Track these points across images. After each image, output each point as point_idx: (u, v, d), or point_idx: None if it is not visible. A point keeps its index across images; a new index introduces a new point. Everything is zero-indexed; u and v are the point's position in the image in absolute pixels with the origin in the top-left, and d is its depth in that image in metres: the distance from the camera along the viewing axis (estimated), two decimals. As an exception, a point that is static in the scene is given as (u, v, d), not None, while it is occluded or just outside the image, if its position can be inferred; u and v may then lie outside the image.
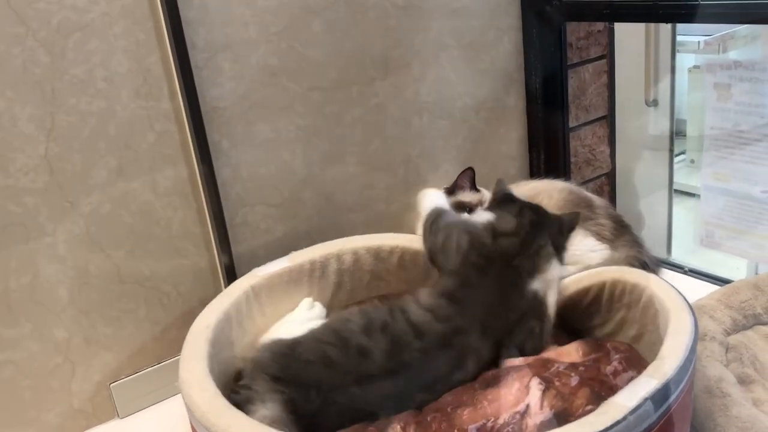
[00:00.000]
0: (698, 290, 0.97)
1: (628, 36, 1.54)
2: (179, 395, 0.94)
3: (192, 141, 0.88)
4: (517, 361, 0.72)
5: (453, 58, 1.10)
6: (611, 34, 1.28)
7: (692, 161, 2.16)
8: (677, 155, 2.12)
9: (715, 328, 0.87)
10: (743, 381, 0.81)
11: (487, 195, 1.03)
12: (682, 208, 1.66)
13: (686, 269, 1.12)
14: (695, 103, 2.07)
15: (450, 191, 1.04)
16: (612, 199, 1.37)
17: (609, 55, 1.31)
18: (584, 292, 0.82)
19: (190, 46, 0.85)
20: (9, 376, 0.83)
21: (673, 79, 2.01)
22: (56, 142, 0.80)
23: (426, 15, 1.06)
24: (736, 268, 1.20)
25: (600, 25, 1.25)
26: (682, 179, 1.98)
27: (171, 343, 0.93)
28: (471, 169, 1.04)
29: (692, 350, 0.65)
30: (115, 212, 0.86)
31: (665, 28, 2.01)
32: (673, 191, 1.75)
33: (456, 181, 1.04)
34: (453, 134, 1.14)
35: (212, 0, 0.87)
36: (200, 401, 0.68)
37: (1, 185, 0.78)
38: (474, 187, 1.04)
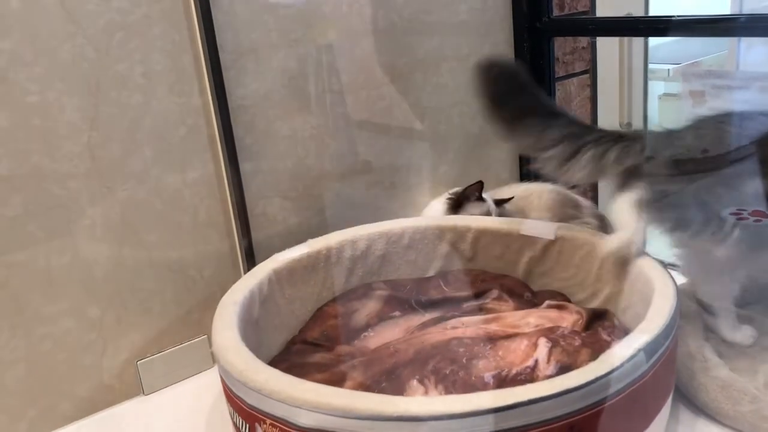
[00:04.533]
0: (678, 279, 1.06)
1: (606, 61, 1.66)
2: (200, 374, 1.01)
3: (219, 135, 0.96)
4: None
5: (452, 68, 1.20)
6: (594, 50, 1.39)
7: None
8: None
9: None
10: (721, 356, 0.89)
11: (491, 204, 1.12)
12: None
13: (665, 263, 1.21)
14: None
15: (458, 201, 1.12)
16: (595, 203, 1.46)
17: (592, 70, 1.42)
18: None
19: (219, 48, 0.94)
20: (47, 349, 0.88)
21: (645, 104, 2.14)
22: (98, 131, 0.87)
23: (429, 28, 1.16)
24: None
25: (584, 42, 1.36)
26: None
27: (194, 324, 1.00)
28: (480, 183, 1.12)
29: (676, 311, 0.74)
30: (148, 199, 0.93)
31: (639, 55, 2.14)
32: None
33: (465, 191, 1.12)
34: (451, 138, 1.23)
35: (240, 7, 0.95)
36: (237, 362, 0.74)
37: (48, 169, 0.85)
38: (480, 198, 1.13)
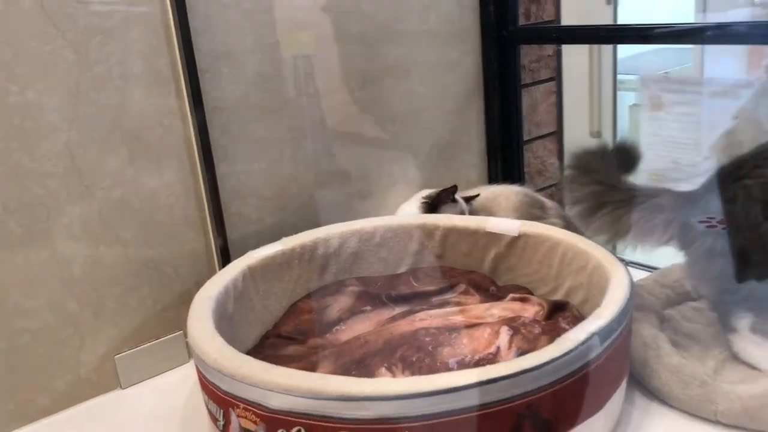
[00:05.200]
0: (637, 275, 1.10)
1: (576, 71, 1.71)
2: (176, 369, 1.04)
3: (195, 136, 0.99)
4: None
5: (422, 74, 1.24)
6: (559, 58, 1.44)
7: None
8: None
9: (653, 303, 1.01)
10: (675, 345, 0.94)
11: (463, 204, 1.17)
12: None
13: (626, 261, 1.26)
14: (636, 139, 2.25)
15: (433, 204, 1.17)
16: (561, 205, 1.52)
17: (557, 78, 1.47)
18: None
19: (195, 52, 0.97)
20: (25, 343, 0.91)
21: (615, 114, 2.20)
22: (77, 131, 0.90)
23: (399, 36, 1.20)
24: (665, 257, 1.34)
25: (550, 50, 1.42)
26: None
27: (169, 320, 1.02)
28: (455, 186, 1.17)
29: (629, 300, 0.78)
30: (125, 198, 0.95)
31: (608, 65, 2.20)
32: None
33: (440, 194, 1.17)
34: (422, 142, 1.27)
35: (216, 12, 0.99)
36: (211, 350, 0.76)
37: (28, 168, 0.87)
38: (454, 200, 1.17)
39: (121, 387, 0.99)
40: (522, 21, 1.34)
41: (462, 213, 1.15)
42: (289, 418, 0.68)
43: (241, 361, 0.74)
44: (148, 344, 1.01)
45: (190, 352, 1.04)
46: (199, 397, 0.93)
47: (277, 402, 0.69)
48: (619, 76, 2.17)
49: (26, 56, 0.85)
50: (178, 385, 0.99)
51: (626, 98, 2.38)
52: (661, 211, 0.87)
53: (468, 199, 1.18)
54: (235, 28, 1.01)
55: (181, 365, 1.03)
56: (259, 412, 0.70)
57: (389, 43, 1.19)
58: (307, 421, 0.68)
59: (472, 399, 0.65)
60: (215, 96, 1.01)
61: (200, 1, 0.97)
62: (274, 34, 1.05)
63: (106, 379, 0.98)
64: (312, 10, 1.09)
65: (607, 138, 2.28)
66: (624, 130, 2.33)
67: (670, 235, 0.87)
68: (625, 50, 2.22)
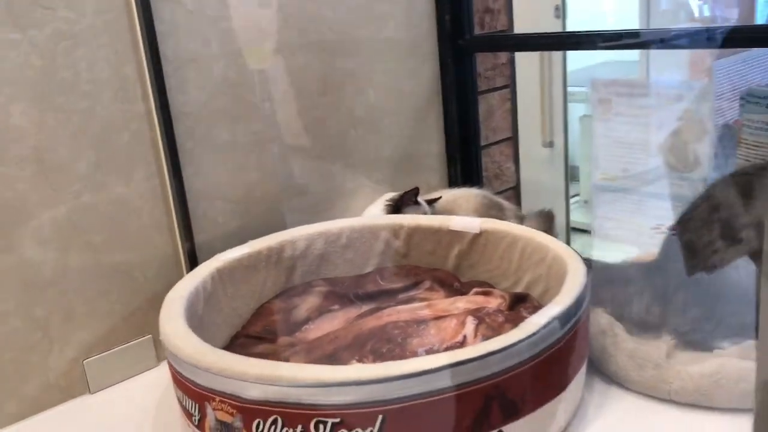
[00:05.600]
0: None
1: (528, 83, 1.78)
2: (145, 373, 1.04)
3: (162, 140, 1.01)
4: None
5: (381, 81, 1.28)
6: (513, 66, 1.50)
7: (585, 202, 2.41)
8: (573, 197, 2.38)
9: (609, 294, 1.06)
10: (629, 332, 0.99)
11: (426, 207, 1.20)
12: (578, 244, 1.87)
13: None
14: (586, 149, 2.33)
15: (396, 206, 1.20)
16: (518, 205, 1.57)
17: (512, 85, 1.52)
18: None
19: (161, 58, 0.99)
20: (-7, 349, 0.90)
21: (566, 125, 2.28)
22: (45, 135, 0.91)
23: (359, 43, 1.24)
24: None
25: (504, 58, 1.47)
26: (577, 218, 2.21)
27: (138, 324, 1.03)
28: (416, 189, 1.20)
29: (586, 287, 0.82)
30: (93, 202, 0.96)
31: (559, 77, 2.29)
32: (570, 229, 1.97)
33: (402, 197, 1.20)
34: (383, 147, 1.30)
35: (181, 19, 1.01)
36: (186, 346, 0.78)
37: (-5, 172, 0.88)
38: (417, 202, 1.21)
39: (90, 391, 0.99)
40: (477, 30, 1.39)
41: (425, 214, 1.18)
42: (266, 408, 0.70)
43: (216, 355, 0.75)
44: (117, 348, 1.01)
45: (158, 356, 1.05)
46: (169, 400, 0.94)
47: (252, 392, 0.70)
48: (569, 88, 2.26)
49: (-7, 61, 0.86)
50: (148, 389, 1.00)
51: (577, 110, 2.47)
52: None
53: (430, 202, 1.22)
54: (200, 34, 1.03)
55: (150, 369, 1.04)
56: (235, 403, 0.72)
57: (350, 51, 1.22)
58: (283, 410, 0.70)
59: (443, 381, 0.68)
60: (181, 101, 1.02)
61: (166, 7, 0.98)
62: (238, 41, 1.07)
63: (75, 383, 0.98)
64: (274, 18, 1.12)
65: (559, 148, 2.36)
66: (575, 141, 2.41)
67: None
68: (574, 63, 2.31)
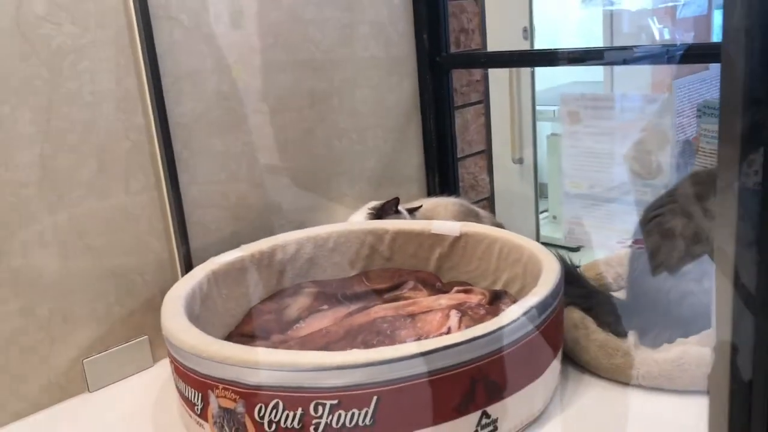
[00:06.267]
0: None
1: (499, 103, 1.86)
2: (142, 372, 1.08)
3: (159, 150, 1.06)
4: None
5: (365, 95, 1.35)
6: (486, 83, 1.58)
7: (554, 217, 2.50)
8: (542, 212, 2.46)
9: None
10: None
11: (406, 215, 1.27)
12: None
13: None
14: (554, 167, 2.43)
15: (378, 215, 1.26)
16: (493, 213, 1.64)
17: (485, 101, 1.60)
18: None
19: (160, 72, 1.04)
20: (-2, 347, 0.94)
21: (535, 142, 2.37)
22: (50, 143, 0.96)
23: (343, 59, 1.31)
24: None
25: (478, 75, 1.55)
26: (547, 233, 2.28)
27: (136, 325, 1.07)
28: (396, 198, 1.26)
29: (560, 281, 0.90)
30: (94, 208, 1.01)
31: (527, 97, 2.38)
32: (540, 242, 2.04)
33: (384, 206, 1.26)
34: (366, 157, 1.37)
35: (179, 35, 1.07)
36: (188, 338, 0.83)
37: (2, 178, 0.92)
38: (397, 211, 1.27)
39: (89, 390, 1.03)
40: (453, 48, 1.47)
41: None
42: (267, 392, 0.76)
43: (219, 345, 0.81)
44: (115, 348, 1.05)
45: (154, 356, 1.09)
46: (165, 397, 0.99)
47: (255, 378, 0.76)
48: (538, 107, 2.35)
49: (3, 72, 0.90)
50: (145, 387, 1.04)
51: (546, 128, 2.56)
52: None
53: (411, 210, 1.28)
54: (197, 50, 1.09)
55: (147, 368, 1.08)
56: (238, 389, 0.77)
57: (335, 68, 1.29)
58: (284, 394, 0.75)
59: (433, 364, 0.75)
60: (178, 112, 1.08)
61: (165, 25, 1.04)
62: (231, 57, 1.13)
63: (74, 382, 1.02)
64: (265, 35, 1.18)
65: (528, 165, 2.45)
66: (543, 158, 2.50)
67: None
68: (543, 83, 2.41)
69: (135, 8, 1.00)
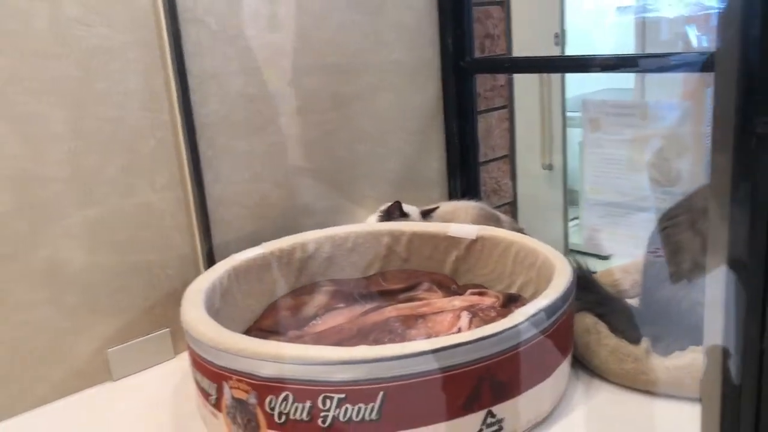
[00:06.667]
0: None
1: (528, 110, 1.86)
2: (163, 364, 1.12)
3: (185, 148, 1.09)
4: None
5: (388, 99, 1.37)
6: (511, 88, 1.59)
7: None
8: (572, 219, 2.45)
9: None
10: (613, 330, 1.06)
11: (414, 213, 1.28)
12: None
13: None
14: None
15: (386, 218, 1.28)
16: (515, 218, 1.65)
17: (510, 106, 1.61)
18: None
19: (187, 72, 1.08)
20: (25, 335, 0.98)
21: (564, 149, 2.37)
22: (80, 141, 1.00)
23: (368, 63, 1.33)
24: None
25: (503, 80, 1.56)
26: (577, 240, 2.26)
27: (158, 318, 1.11)
28: (398, 202, 1.28)
29: (571, 286, 0.90)
30: (120, 203, 1.05)
31: (558, 102, 2.37)
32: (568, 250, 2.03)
33: (388, 210, 1.28)
34: (388, 160, 1.39)
35: (206, 38, 1.10)
36: (207, 330, 0.86)
37: (34, 173, 0.96)
38: (402, 214, 1.29)
39: (112, 379, 1.07)
40: (478, 54, 1.48)
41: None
42: (278, 385, 0.78)
43: (235, 338, 0.83)
44: (138, 340, 1.09)
45: (175, 348, 1.13)
46: (185, 388, 1.02)
47: (267, 370, 0.78)
48: (569, 114, 2.35)
49: (37, 71, 0.95)
50: (165, 378, 1.07)
51: (577, 134, 2.55)
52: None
53: (427, 212, 1.29)
54: (223, 52, 1.12)
55: (168, 360, 1.12)
56: (250, 381, 0.79)
57: (359, 72, 1.32)
58: (294, 386, 0.77)
59: (439, 362, 0.76)
60: (203, 113, 1.11)
61: (192, 27, 1.08)
62: (257, 60, 1.16)
63: (98, 371, 1.05)
64: (290, 39, 1.21)
65: (558, 172, 2.44)
66: (575, 165, 2.49)
67: None
68: (575, 90, 2.40)
69: (164, 11, 1.04)
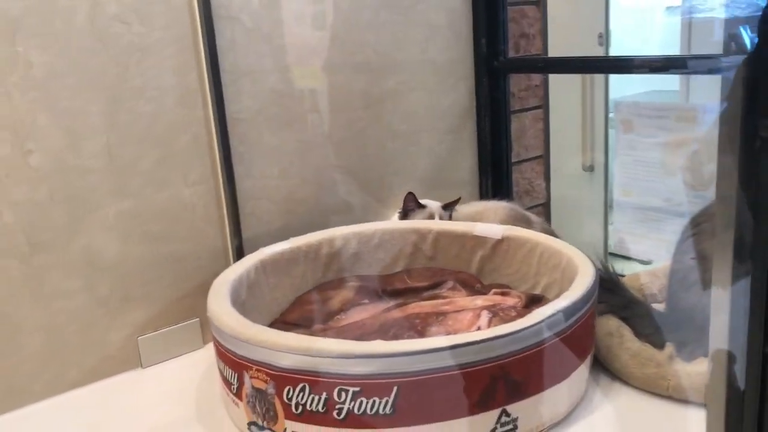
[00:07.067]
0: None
1: (567, 106, 1.84)
2: (192, 353, 1.15)
3: (217, 143, 1.12)
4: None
5: (420, 98, 1.38)
6: (546, 88, 1.58)
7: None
8: (612, 224, 2.41)
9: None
10: (637, 335, 1.05)
11: (434, 205, 1.28)
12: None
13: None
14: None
15: (404, 214, 1.29)
16: (547, 220, 1.64)
17: (545, 106, 1.60)
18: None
19: (220, 69, 1.10)
20: (62, 321, 1.02)
21: (606, 150, 2.34)
22: (116, 134, 1.03)
23: (399, 63, 1.34)
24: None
25: (538, 80, 1.55)
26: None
27: (188, 308, 1.14)
28: (411, 193, 1.28)
29: (593, 287, 0.90)
30: (154, 195, 1.08)
31: (600, 103, 2.34)
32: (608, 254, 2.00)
33: (404, 205, 1.29)
34: (419, 159, 1.40)
35: (240, 36, 1.13)
36: (229, 321, 0.88)
37: (73, 164, 1.00)
38: (419, 205, 1.29)
39: (142, 366, 1.10)
40: (512, 53, 1.48)
41: (431, 215, 1.26)
42: (296, 376, 0.80)
43: (256, 329, 0.85)
44: (168, 329, 1.12)
45: (204, 338, 1.16)
46: (211, 377, 1.05)
47: (285, 362, 0.80)
48: (611, 115, 2.31)
49: (77, 68, 0.98)
50: (193, 366, 1.10)
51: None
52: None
53: (448, 205, 1.29)
54: (256, 50, 1.15)
55: (196, 349, 1.15)
56: (269, 371, 0.81)
57: (391, 69, 1.33)
58: (311, 378, 0.79)
59: (453, 359, 0.77)
60: (236, 109, 1.14)
61: (226, 25, 1.11)
62: (289, 58, 1.19)
63: (129, 358, 1.09)
64: (322, 38, 1.23)
65: (599, 173, 2.41)
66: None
67: None
68: (619, 91, 2.36)
69: (199, 9, 1.06)
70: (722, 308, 0.50)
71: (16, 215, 0.96)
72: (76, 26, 0.98)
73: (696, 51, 2.24)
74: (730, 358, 0.50)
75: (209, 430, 0.92)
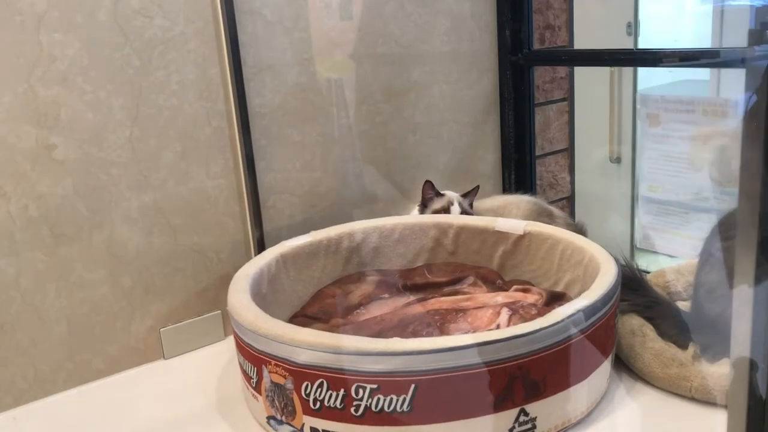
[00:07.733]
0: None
1: (594, 98, 1.81)
2: (213, 345, 1.16)
3: (239, 137, 1.12)
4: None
5: (442, 91, 1.37)
6: (571, 80, 1.56)
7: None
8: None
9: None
10: (661, 334, 1.03)
11: (453, 195, 1.27)
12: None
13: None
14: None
15: (423, 203, 1.28)
16: (571, 215, 1.62)
17: (570, 99, 1.58)
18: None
19: (242, 63, 1.10)
20: (85, 311, 1.03)
21: (634, 143, 2.30)
22: (138, 127, 1.04)
23: (422, 55, 1.33)
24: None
25: (563, 72, 1.53)
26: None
27: (210, 300, 1.14)
28: (428, 181, 1.27)
29: (615, 285, 0.89)
30: (176, 188, 1.09)
31: (628, 96, 2.31)
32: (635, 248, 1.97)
33: (423, 193, 1.28)
34: (440, 152, 1.39)
35: (261, 29, 1.12)
36: (248, 315, 0.89)
37: (96, 157, 1.01)
38: (438, 194, 1.28)
39: (164, 357, 1.11)
40: (537, 45, 1.46)
41: (449, 203, 1.25)
42: (314, 371, 0.80)
43: (274, 323, 0.86)
44: (190, 320, 1.13)
45: (226, 330, 1.16)
46: (232, 369, 1.05)
47: (303, 357, 0.80)
48: (638, 107, 2.27)
49: (100, 61, 0.99)
50: (214, 358, 1.11)
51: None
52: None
53: (467, 194, 1.28)
54: (278, 44, 1.14)
55: (218, 341, 1.15)
56: (288, 366, 0.82)
57: (413, 61, 1.32)
58: (329, 374, 0.79)
59: (471, 358, 0.76)
60: (257, 102, 1.14)
61: (248, 18, 1.10)
62: (310, 51, 1.18)
63: (151, 349, 1.10)
64: (344, 30, 1.23)
65: (626, 165, 2.38)
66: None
67: None
68: (648, 81, 2.32)
69: (221, 3, 1.06)
70: (744, 315, 0.49)
71: (41, 208, 0.98)
72: (99, 20, 0.98)
73: (728, 39, 2.19)
74: (752, 365, 0.49)
75: (230, 423, 0.93)
